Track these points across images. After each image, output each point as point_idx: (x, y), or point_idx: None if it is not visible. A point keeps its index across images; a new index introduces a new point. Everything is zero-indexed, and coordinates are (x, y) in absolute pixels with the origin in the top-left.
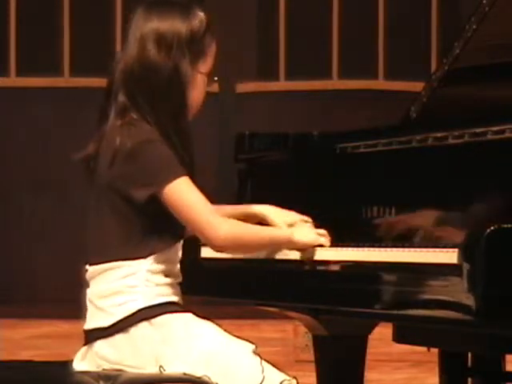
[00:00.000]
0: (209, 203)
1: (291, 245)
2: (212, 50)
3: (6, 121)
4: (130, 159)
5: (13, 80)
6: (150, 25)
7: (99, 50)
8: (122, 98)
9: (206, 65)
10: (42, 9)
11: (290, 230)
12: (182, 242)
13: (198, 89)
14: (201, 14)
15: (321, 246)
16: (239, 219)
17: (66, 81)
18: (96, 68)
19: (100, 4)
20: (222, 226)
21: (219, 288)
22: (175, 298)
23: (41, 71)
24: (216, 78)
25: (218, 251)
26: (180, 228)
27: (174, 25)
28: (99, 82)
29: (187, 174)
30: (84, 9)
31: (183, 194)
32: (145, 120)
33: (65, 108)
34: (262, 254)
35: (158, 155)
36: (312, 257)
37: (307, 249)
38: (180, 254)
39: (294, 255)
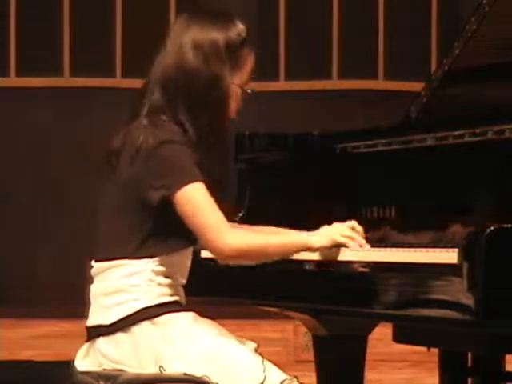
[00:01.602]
0: (220, 213)
1: (308, 249)
2: (249, 64)
3: (5, 121)
4: (152, 157)
5: (13, 80)
6: (189, 33)
7: (99, 50)
8: (157, 98)
9: (241, 77)
10: (41, 9)
11: (306, 234)
12: (191, 250)
13: (233, 101)
14: (240, 26)
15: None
16: None
17: (65, 81)
18: (96, 68)
19: (100, 4)
20: (229, 235)
21: (219, 288)
22: (177, 298)
23: (41, 71)
24: (249, 91)
25: (224, 261)
26: (190, 235)
27: (211, 34)
28: (99, 81)
29: (203, 181)
30: (84, 9)
31: (194, 199)
32: (174, 121)
33: (65, 108)
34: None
35: (178, 156)
36: (335, 257)
37: (330, 249)
38: (189, 265)
39: (317, 256)
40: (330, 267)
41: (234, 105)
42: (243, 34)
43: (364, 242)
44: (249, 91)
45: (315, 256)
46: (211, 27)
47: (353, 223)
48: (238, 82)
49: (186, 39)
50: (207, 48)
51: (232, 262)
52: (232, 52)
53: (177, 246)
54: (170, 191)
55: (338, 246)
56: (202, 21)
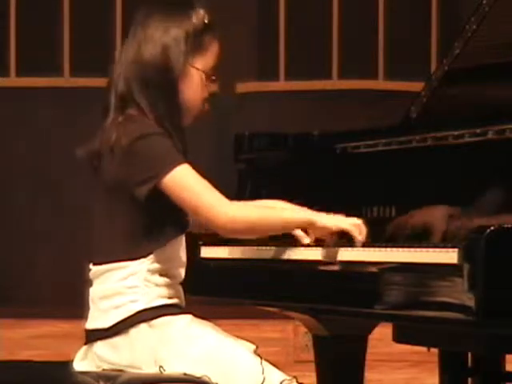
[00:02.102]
0: (213, 187)
1: (312, 225)
2: (212, 49)
3: (6, 121)
4: (129, 156)
5: (13, 80)
6: (150, 24)
7: (99, 50)
8: (120, 93)
9: (204, 62)
10: (41, 9)
11: (315, 213)
12: (183, 240)
13: (193, 84)
14: (200, 12)
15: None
16: None
17: (65, 81)
18: (96, 68)
19: (100, 4)
20: (228, 206)
21: (219, 288)
22: (175, 300)
23: (41, 71)
24: (214, 78)
25: (226, 234)
26: (181, 222)
27: (173, 23)
28: (99, 81)
29: (188, 162)
30: (84, 9)
31: (185, 180)
32: (143, 114)
33: (65, 108)
34: (264, 255)
35: (155, 147)
36: (335, 257)
37: (329, 245)
38: (184, 254)
39: (316, 255)
40: (329, 267)
41: (194, 91)
42: (205, 20)
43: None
44: (213, 78)
45: (316, 256)
46: (172, 16)
47: (360, 221)
48: (200, 67)
49: (147, 30)
50: (167, 37)
51: (234, 235)
52: (193, 37)
53: (170, 237)
54: (157, 180)
55: (340, 232)
56: (163, 10)
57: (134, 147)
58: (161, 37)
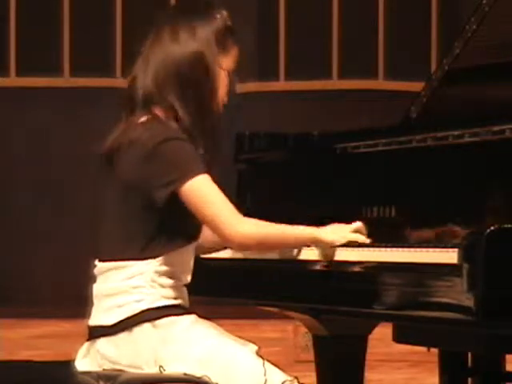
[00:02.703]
0: (229, 202)
1: (318, 243)
2: (234, 49)
3: (6, 121)
4: (152, 159)
5: (13, 80)
6: (177, 24)
7: (99, 50)
8: (148, 91)
9: (227, 61)
10: (41, 9)
11: (317, 228)
12: (194, 247)
13: (222, 85)
14: (223, 12)
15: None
16: None
17: (65, 81)
18: (96, 68)
19: (100, 4)
20: (242, 224)
21: (219, 288)
22: (180, 301)
23: (41, 71)
24: (234, 79)
25: (237, 250)
26: (192, 231)
27: (200, 22)
28: (99, 81)
29: (208, 172)
30: (84, 9)
31: (203, 191)
32: (170, 116)
33: (65, 108)
34: (264, 255)
35: (179, 153)
36: (332, 257)
37: (329, 248)
38: (192, 261)
39: (316, 255)
40: (330, 267)
41: (222, 89)
42: (228, 22)
43: (367, 240)
44: (234, 78)
45: (315, 256)
46: (198, 18)
47: (360, 225)
48: (224, 67)
49: (175, 33)
50: (197, 36)
51: (244, 250)
52: (219, 39)
53: (181, 244)
54: (177, 186)
55: (348, 242)
56: (188, 10)
57: (157, 150)
58: (191, 37)
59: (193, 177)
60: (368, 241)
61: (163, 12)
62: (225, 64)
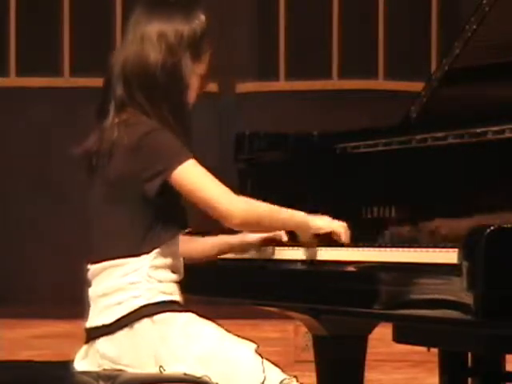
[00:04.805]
0: (220, 183)
1: (306, 227)
2: (208, 53)
3: (6, 121)
4: (136, 153)
5: (13, 80)
6: (151, 24)
7: (99, 50)
8: (120, 93)
9: (200, 67)
10: (41, 9)
11: (306, 215)
12: (182, 234)
13: (192, 89)
14: (202, 16)
15: (336, 240)
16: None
17: (65, 81)
18: (96, 68)
19: (100, 4)
20: (236, 201)
21: (219, 288)
22: (177, 297)
23: (41, 71)
24: (207, 80)
25: (234, 227)
26: (183, 218)
27: (175, 25)
28: (99, 81)
29: (194, 157)
30: (84, 9)
31: (194, 175)
32: (143, 113)
33: (65, 108)
34: (263, 255)
35: (162, 142)
36: (315, 256)
37: (311, 246)
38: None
39: (299, 255)
40: (330, 267)
41: (192, 93)
42: (205, 25)
43: (348, 240)
44: (207, 80)
45: (315, 256)
46: (175, 17)
47: (345, 224)
48: (199, 72)
49: (149, 31)
50: (171, 39)
51: (241, 228)
52: (195, 42)
53: (174, 233)
54: (167, 175)
55: (331, 232)
56: (164, 11)
57: (142, 143)
58: (165, 39)
59: (181, 163)
60: (344, 239)
61: (141, 5)
62: (198, 69)
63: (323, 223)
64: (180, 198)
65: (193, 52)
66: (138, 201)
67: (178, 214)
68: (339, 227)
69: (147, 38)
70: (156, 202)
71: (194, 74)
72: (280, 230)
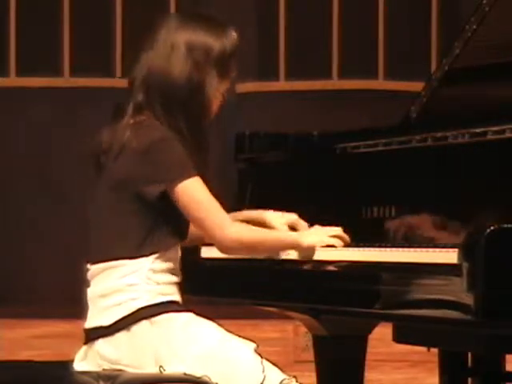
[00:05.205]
0: (219, 205)
1: (299, 247)
2: (233, 72)
3: (6, 121)
4: (144, 157)
5: (13, 80)
6: (182, 35)
7: (99, 50)
8: (140, 96)
9: (226, 84)
10: (41, 9)
11: (297, 233)
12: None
13: (215, 104)
14: (233, 35)
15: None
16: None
17: (65, 81)
18: (96, 68)
19: (100, 4)
20: (230, 227)
21: (219, 288)
22: (176, 298)
23: (41, 71)
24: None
25: (224, 252)
26: (184, 228)
27: (206, 40)
28: (99, 81)
29: (199, 175)
30: (84, 9)
31: (194, 193)
32: (158, 120)
33: (65, 108)
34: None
35: (171, 153)
36: (311, 256)
37: (310, 249)
38: (179, 252)
39: (294, 255)
40: (330, 267)
41: (214, 108)
42: (236, 44)
43: (347, 241)
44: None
45: (315, 256)
46: (206, 32)
47: (339, 230)
48: (222, 90)
49: (179, 41)
50: (199, 53)
51: (231, 254)
52: (223, 61)
53: (171, 242)
54: (168, 186)
55: (326, 246)
56: (196, 24)
57: (149, 149)
58: (193, 52)
59: (184, 179)
60: (347, 242)
61: (171, 15)
62: (222, 88)
63: (316, 240)
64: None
65: (220, 70)
66: (140, 203)
67: (180, 222)
68: (332, 240)
69: (176, 48)
70: (157, 207)
71: (218, 91)
72: (276, 252)
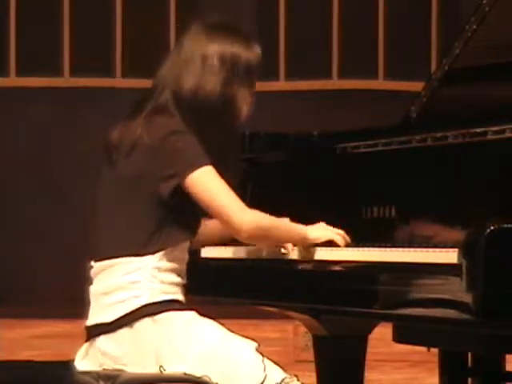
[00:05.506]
0: (233, 193)
1: (306, 239)
2: (255, 85)
3: (6, 121)
4: (157, 152)
5: (13, 80)
6: (213, 47)
7: (99, 50)
8: (163, 100)
9: (252, 96)
10: (41, 9)
11: (303, 227)
12: (189, 242)
13: (241, 115)
14: (257, 48)
15: (335, 245)
16: None
17: (66, 81)
18: (96, 68)
19: (100, 4)
20: (246, 214)
21: (219, 288)
22: (179, 297)
23: (41, 71)
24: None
25: (243, 239)
26: (194, 225)
27: (237, 52)
28: (99, 81)
29: (212, 164)
30: (84, 9)
31: (208, 182)
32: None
33: (65, 108)
34: (262, 254)
35: (182, 145)
36: (312, 256)
37: (310, 247)
38: (187, 254)
39: (295, 254)
40: (330, 267)
41: (242, 119)
42: (260, 57)
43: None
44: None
45: (315, 256)
46: (236, 44)
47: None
48: (250, 100)
49: (210, 53)
50: (230, 66)
51: (249, 240)
52: (251, 72)
53: (181, 239)
54: (182, 177)
55: (329, 244)
56: (226, 35)
57: (162, 143)
58: (225, 63)
59: (197, 168)
60: (347, 242)
61: (199, 24)
62: (250, 98)
63: (321, 233)
64: (195, 205)
65: (248, 81)
66: (150, 201)
67: (190, 221)
68: (336, 236)
69: (208, 60)
70: (168, 204)
71: (246, 102)
72: (286, 242)
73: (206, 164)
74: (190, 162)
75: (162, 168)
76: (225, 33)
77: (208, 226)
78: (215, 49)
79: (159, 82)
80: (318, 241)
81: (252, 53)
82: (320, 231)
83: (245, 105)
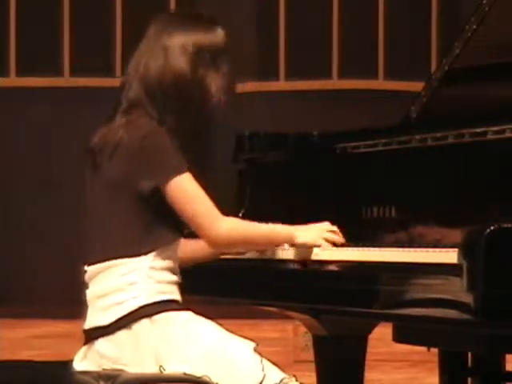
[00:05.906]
0: (210, 201)
1: (293, 242)
2: (228, 68)
3: (6, 121)
4: (136, 154)
5: (13, 80)
6: (174, 35)
7: (99, 50)
8: (132, 95)
9: (222, 80)
10: (41, 9)
11: (293, 227)
12: (181, 239)
13: (216, 103)
14: (221, 31)
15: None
16: None
17: (65, 81)
18: (96, 68)
19: (100, 4)
20: (221, 223)
21: (219, 288)
22: (176, 296)
23: (41, 71)
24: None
25: (218, 248)
26: (181, 224)
27: (196, 38)
28: (99, 81)
29: (190, 171)
30: (84, 9)
31: (185, 190)
32: (152, 118)
33: (65, 108)
34: (262, 254)
35: (161, 149)
36: (308, 256)
37: (305, 248)
38: (178, 252)
39: (291, 255)
40: (330, 267)
41: (216, 106)
42: (225, 39)
43: (343, 240)
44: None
45: (315, 255)
46: (196, 31)
47: (327, 224)
48: (219, 85)
49: (172, 42)
50: (194, 52)
51: (224, 249)
52: (216, 56)
53: (169, 238)
54: (160, 182)
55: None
56: (186, 23)
57: (141, 145)
58: (188, 52)
59: (175, 175)
60: (343, 240)
61: (162, 15)
62: (220, 83)
63: (309, 238)
64: None
65: (214, 66)
66: (137, 201)
67: (179, 219)
68: (326, 239)
69: (170, 50)
70: (153, 202)
71: (215, 84)
72: (268, 248)
73: (183, 171)
74: (169, 167)
75: (143, 170)
76: (186, 21)
77: (189, 248)
78: (178, 37)
79: (128, 76)
80: (305, 246)
81: (214, 36)
82: (310, 235)
83: (214, 86)
